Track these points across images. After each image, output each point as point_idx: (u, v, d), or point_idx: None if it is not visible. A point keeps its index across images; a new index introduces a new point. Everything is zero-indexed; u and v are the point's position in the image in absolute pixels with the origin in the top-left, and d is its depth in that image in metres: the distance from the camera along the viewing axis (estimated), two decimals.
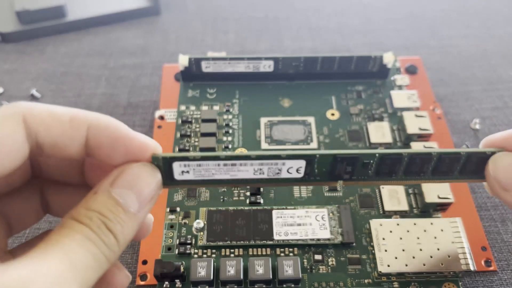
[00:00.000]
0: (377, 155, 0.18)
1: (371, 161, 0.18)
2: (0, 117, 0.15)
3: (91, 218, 0.15)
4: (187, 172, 0.17)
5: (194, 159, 0.17)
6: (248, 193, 0.29)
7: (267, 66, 0.35)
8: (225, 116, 0.34)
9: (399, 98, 0.34)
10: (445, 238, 0.26)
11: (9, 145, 0.15)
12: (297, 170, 0.17)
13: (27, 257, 0.13)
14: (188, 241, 0.27)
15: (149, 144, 0.17)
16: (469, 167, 0.19)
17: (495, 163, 0.19)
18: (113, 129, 0.17)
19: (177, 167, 0.17)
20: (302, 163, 0.17)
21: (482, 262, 0.27)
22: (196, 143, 0.32)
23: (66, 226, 0.15)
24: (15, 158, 0.15)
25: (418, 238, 0.26)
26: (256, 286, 0.25)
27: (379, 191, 0.29)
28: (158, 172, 0.17)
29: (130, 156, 0.17)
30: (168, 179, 0.18)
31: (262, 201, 0.29)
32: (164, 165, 0.17)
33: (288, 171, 0.17)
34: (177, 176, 0.18)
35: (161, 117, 0.34)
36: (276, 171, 0.17)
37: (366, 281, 0.26)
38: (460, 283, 0.26)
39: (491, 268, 0.27)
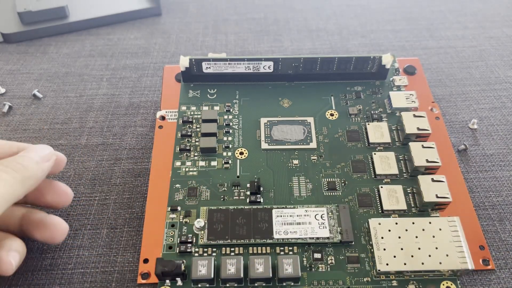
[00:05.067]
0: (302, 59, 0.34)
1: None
2: None
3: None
4: (209, 68, 0.34)
5: (213, 59, 0.34)
6: (248, 193, 0.30)
7: (267, 67, 0.35)
8: (225, 116, 0.34)
9: (398, 99, 0.34)
10: (443, 237, 0.26)
11: None
12: (269, 67, 0.34)
13: None
14: (189, 240, 0.27)
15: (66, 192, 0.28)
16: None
17: None
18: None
19: (204, 64, 0.34)
20: (271, 63, 0.34)
21: (480, 261, 0.27)
22: (197, 143, 0.32)
23: None
24: None
25: (416, 237, 0.26)
26: (256, 285, 0.26)
27: (378, 191, 0.30)
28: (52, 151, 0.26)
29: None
30: (199, 72, 0.35)
31: (262, 200, 0.29)
32: (197, 64, 0.34)
33: (263, 68, 0.34)
34: (205, 70, 0.34)
35: (162, 117, 0.34)
36: (257, 67, 0.34)
37: (365, 279, 0.26)
38: (458, 282, 0.26)
39: (489, 267, 0.27)
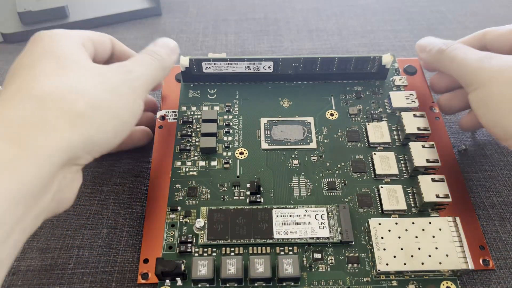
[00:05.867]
0: (302, 59, 0.34)
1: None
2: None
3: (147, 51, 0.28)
4: (209, 68, 0.34)
5: (213, 59, 0.34)
6: (248, 193, 0.30)
7: (267, 67, 0.35)
8: (225, 116, 0.34)
9: (398, 99, 0.34)
10: (443, 237, 0.26)
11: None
12: (269, 67, 0.34)
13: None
14: (189, 240, 0.27)
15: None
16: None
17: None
18: None
19: (204, 64, 0.34)
20: (271, 63, 0.34)
21: (480, 261, 0.27)
22: (197, 143, 0.32)
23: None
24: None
25: (416, 237, 0.26)
26: (256, 284, 0.26)
27: (378, 191, 0.30)
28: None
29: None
30: (199, 72, 0.34)
31: (262, 200, 0.29)
32: (197, 64, 0.34)
33: (263, 68, 0.34)
34: (205, 70, 0.34)
35: (163, 117, 0.34)
36: (257, 67, 0.34)
37: (365, 279, 0.26)
38: (458, 282, 0.26)
39: (489, 267, 0.27)
